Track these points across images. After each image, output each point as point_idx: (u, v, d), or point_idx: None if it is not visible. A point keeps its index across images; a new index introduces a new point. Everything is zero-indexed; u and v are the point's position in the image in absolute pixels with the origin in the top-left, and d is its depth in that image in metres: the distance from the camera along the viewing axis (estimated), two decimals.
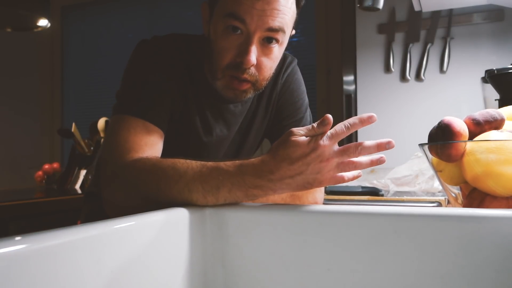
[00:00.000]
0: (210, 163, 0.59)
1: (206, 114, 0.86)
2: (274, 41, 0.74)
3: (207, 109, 0.86)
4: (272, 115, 0.96)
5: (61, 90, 2.87)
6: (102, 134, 2.08)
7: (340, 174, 0.57)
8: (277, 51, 0.77)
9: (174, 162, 0.61)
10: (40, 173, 2.23)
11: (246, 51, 0.72)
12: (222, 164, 0.58)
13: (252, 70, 0.75)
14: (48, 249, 0.34)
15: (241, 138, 0.96)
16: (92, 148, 2.11)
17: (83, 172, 2.09)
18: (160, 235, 0.47)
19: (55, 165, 2.25)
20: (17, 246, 0.32)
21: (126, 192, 0.65)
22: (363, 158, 0.57)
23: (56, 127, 2.67)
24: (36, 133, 2.79)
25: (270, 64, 0.77)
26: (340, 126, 0.56)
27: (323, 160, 0.54)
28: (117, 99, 0.78)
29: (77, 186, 2.07)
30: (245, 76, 0.74)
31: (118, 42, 2.73)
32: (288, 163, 0.54)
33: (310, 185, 0.56)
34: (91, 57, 2.81)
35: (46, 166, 2.23)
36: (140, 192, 0.63)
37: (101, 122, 2.09)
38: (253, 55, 0.72)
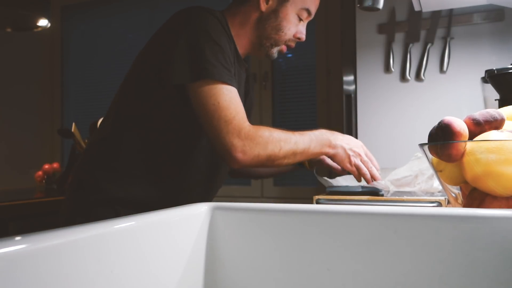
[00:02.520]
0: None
1: (236, 77, 1.00)
2: None
3: (237, 75, 0.99)
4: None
5: (61, 90, 2.87)
6: None
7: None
8: None
9: (282, 130, 0.89)
10: (40, 173, 2.23)
11: (303, 31, 1.04)
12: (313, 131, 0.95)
13: None
14: (48, 249, 0.34)
15: None
16: None
17: None
18: (160, 235, 0.47)
19: (55, 165, 2.25)
20: (17, 246, 0.32)
21: (255, 153, 0.84)
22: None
23: (56, 127, 2.67)
24: (36, 133, 2.79)
25: None
26: (367, 164, 1.00)
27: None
28: (198, 63, 0.86)
29: None
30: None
31: (118, 42, 2.72)
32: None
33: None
34: (91, 57, 2.81)
35: (46, 166, 2.23)
36: (266, 151, 0.85)
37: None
38: None
